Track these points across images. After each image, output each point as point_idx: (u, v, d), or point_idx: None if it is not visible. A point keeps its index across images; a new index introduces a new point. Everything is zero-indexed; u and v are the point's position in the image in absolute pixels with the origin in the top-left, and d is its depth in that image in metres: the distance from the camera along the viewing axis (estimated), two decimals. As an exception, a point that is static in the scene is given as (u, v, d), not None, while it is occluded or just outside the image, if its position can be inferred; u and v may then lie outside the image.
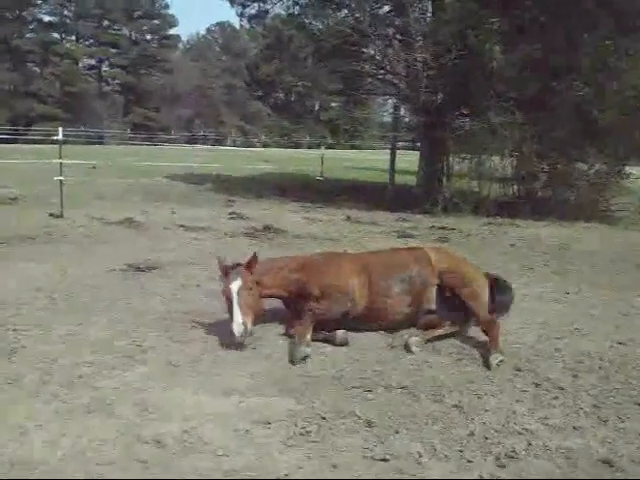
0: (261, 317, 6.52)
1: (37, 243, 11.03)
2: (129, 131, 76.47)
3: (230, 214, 15.71)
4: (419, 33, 18.42)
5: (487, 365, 5.78)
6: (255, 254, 6.34)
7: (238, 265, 6.34)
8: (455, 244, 12.91)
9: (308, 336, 6.00)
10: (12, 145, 42.32)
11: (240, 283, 6.09)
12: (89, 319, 6.77)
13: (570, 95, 17.17)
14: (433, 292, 6.80)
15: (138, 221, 13.57)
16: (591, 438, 4.45)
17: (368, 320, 6.67)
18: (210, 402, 4.80)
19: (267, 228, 13.31)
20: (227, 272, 6.30)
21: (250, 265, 6.28)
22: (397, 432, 4.40)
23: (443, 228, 15.17)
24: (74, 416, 4.49)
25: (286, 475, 3.82)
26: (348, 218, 16.29)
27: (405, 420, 4.59)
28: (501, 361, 5.83)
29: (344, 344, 6.22)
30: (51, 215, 13.95)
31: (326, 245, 11.78)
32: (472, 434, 4.41)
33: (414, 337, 6.32)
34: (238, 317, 5.86)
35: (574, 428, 4.58)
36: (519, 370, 5.70)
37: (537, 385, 5.36)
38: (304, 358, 5.72)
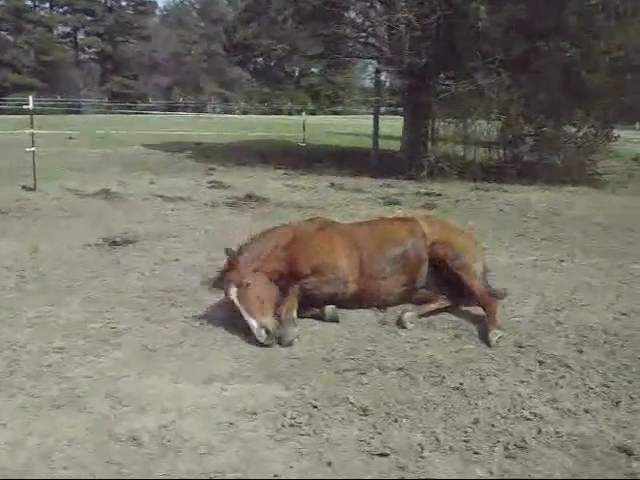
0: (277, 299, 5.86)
1: (7, 218, 10.49)
2: (107, 100, 75.15)
3: (210, 183, 15.23)
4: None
5: (487, 342, 5.44)
6: (228, 251, 5.80)
7: (231, 264, 5.82)
8: (443, 211, 12.55)
9: (294, 313, 5.55)
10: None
11: (234, 288, 5.55)
12: (61, 300, 6.34)
13: (557, 56, 16.75)
14: (425, 268, 6.40)
15: (115, 192, 13.06)
16: (604, 422, 4.12)
17: (359, 301, 6.24)
18: (190, 391, 4.41)
19: (249, 197, 12.85)
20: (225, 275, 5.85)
21: (231, 265, 5.77)
22: (395, 421, 4.04)
23: (429, 194, 14.81)
24: (41, 412, 4.08)
25: (275, 476, 3.44)
26: (332, 185, 15.86)
27: (403, 406, 4.23)
28: (500, 337, 5.49)
29: (334, 320, 5.86)
30: (24, 188, 13.39)
31: (310, 213, 11.36)
32: (477, 421, 4.05)
33: (408, 312, 5.94)
34: (252, 322, 5.33)
35: (585, 411, 4.24)
36: (521, 346, 5.35)
37: (541, 363, 5.01)
38: (292, 341, 5.30)
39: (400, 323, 5.83)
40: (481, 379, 4.68)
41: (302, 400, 4.29)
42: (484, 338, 5.53)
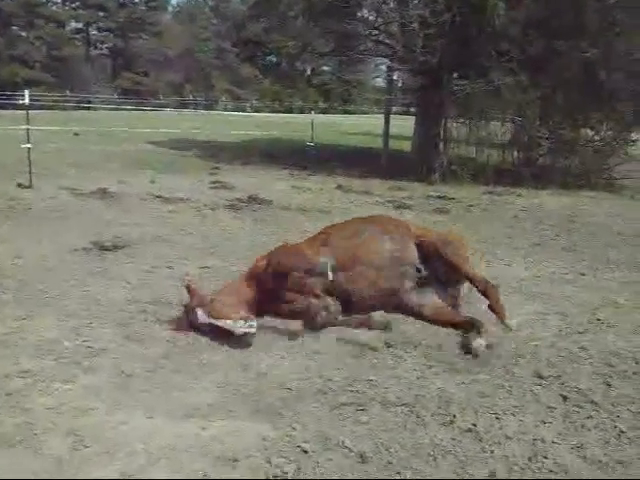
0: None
1: (-4, 218, 9.99)
2: (116, 96, 74.75)
3: (213, 183, 14.66)
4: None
5: (506, 325, 5.45)
6: (187, 286, 5.51)
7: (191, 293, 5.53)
8: (455, 216, 12.00)
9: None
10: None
11: (200, 311, 5.27)
12: (36, 312, 5.78)
13: (576, 56, 16.11)
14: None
15: (112, 192, 12.49)
16: (640, 477, 3.54)
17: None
18: (165, 429, 3.85)
19: (252, 199, 12.27)
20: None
21: (191, 292, 5.49)
22: (398, 473, 3.46)
23: (441, 197, 14.25)
24: (-13, 452, 3.54)
25: None
26: (339, 187, 15.28)
27: (407, 454, 3.65)
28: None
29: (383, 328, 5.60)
30: (19, 186, 12.87)
31: (315, 218, 10.82)
32: (493, 474, 3.47)
33: (478, 339, 5.26)
34: (231, 323, 5.06)
35: (618, 462, 3.65)
36: (541, 377, 4.76)
37: (565, 399, 4.43)
38: None
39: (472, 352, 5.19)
40: (497, 419, 4.10)
41: (291, 443, 3.72)
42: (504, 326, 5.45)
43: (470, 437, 3.86)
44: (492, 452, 3.70)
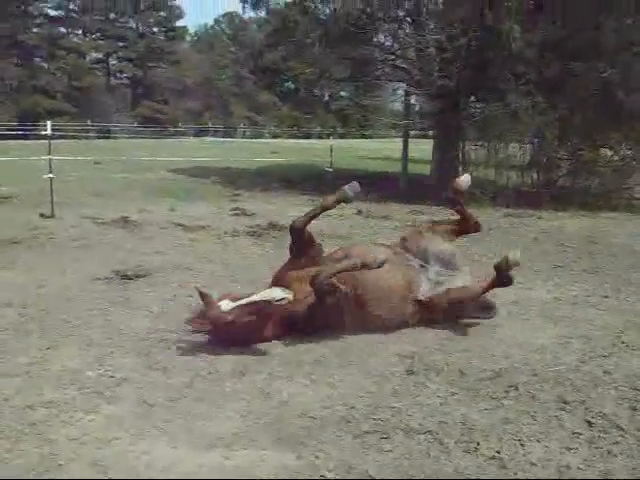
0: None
1: (19, 248, 10.04)
2: (136, 125, 75.47)
3: (233, 210, 14.72)
4: (432, 15, 17.41)
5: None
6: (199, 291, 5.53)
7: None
8: (474, 240, 11.86)
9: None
10: (20, 141, 41.64)
11: (224, 299, 5.33)
12: (59, 342, 5.82)
13: (593, 77, 16.08)
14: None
15: (133, 220, 12.59)
16: (669, 505, 3.48)
17: None
18: (188, 458, 3.84)
19: (272, 225, 12.30)
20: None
21: (203, 294, 5.50)
22: (422, 502, 3.44)
23: (461, 221, 14.16)
24: (13, 485, 3.55)
25: None
26: (359, 212, 15.28)
27: (431, 482, 3.63)
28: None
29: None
30: (41, 215, 13.00)
31: (335, 244, 10.81)
32: (519, 503, 3.44)
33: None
34: (263, 295, 5.17)
35: (646, 489, 3.61)
36: (565, 402, 4.70)
37: (590, 424, 4.37)
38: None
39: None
40: (521, 445, 4.05)
41: (314, 472, 3.70)
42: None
43: (494, 464, 3.82)
44: (517, 479, 3.66)
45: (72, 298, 7.33)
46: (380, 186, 20.46)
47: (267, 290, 5.13)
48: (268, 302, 5.10)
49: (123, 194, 17.52)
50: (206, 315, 5.45)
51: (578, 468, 3.79)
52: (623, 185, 18.20)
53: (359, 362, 5.47)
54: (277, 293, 5.03)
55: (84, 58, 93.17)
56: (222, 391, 4.84)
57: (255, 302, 5.18)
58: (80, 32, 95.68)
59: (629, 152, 18.18)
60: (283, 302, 5.08)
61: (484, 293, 6.42)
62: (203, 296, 5.44)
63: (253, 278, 8.42)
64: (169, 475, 3.66)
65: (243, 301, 5.15)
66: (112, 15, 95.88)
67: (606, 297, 7.91)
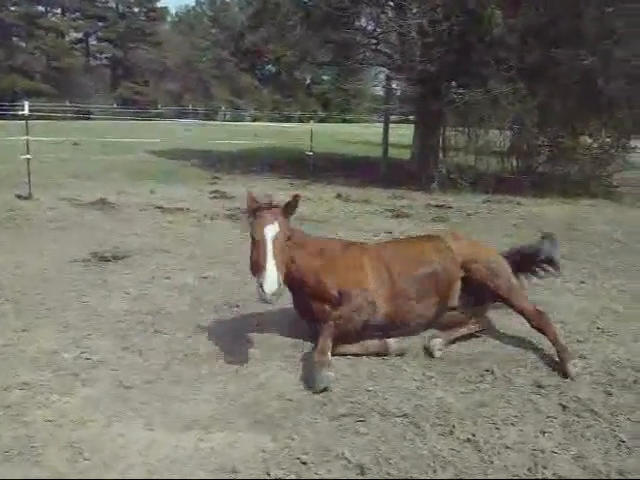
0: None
1: (-5, 229, 9.99)
2: (116, 106, 74.73)
3: (212, 193, 14.65)
4: (414, -1, 17.36)
5: (566, 375, 4.96)
6: (297, 197, 5.07)
7: (273, 206, 5.01)
8: (454, 225, 11.97)
9: (329, 355, 4.75)
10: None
11: (277, 229, 4.82)
12: (35, 324, 5.79)
13: (574, 64, 16.09)
14: (457, 287, 5.75)
15: (112, 202, 12.49)
16: (642, 487, 3.53)
17: (390, 325, 5.47)
18: (164, 440, 3.84)
19: (251, 209, 12.23)
20: (259, 211, 4.94)
21: (288, 209, 5.04)
22: (397, 484, 3.46)
23: (440, 206, 14.23)
24: (-15, 465, 3.53)
25: None
26: (339, 196, 15.27)
27: (407, 464, 3.65)
28: (579, 365, 5.08)
29: (402, 354, 5.29)
30: (19, 197, 12.87)
31: (314, 227, 10.82)
32: (493, 485, 3.47)
33: (436, 339, 5.37)
34: (272, 272, 4.56)
35: (619, 473, 3.64)
36: (540, 386, 4.75)
37: (564, 408, 4.42)
38: (326, 387, 4.57)
39: (428, 350, 5.32)
40: (496, 428, 4.09)
41: (290, 454, 3.71)
42: (562, 370, 5.00)
43: (469, 447, 3.86)
44: (491, 462, 3.70)
45: (49, 280, 7.27)
46: (360, 170, 20.47)
47: (274, 273, 4.55)
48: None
49: (102, 176, 17.37)
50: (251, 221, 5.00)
51: (552, 451, 3.84)
52: (602, 173, 18.26)
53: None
54: (270, 285, 4.74)
55: (63, 38, 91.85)
56: (199, 373, 4.83)
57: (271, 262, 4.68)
58: (59, 11, 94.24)
59: (608, 140, 18.24)
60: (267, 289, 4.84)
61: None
62: (252, 203, 5.02)
63: (231, 260, 8.41)
64: (145, 457, 3.65)
65: (268, 255, 4.67)
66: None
67: (583, 283, 7.97)
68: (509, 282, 5.66)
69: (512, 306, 5.61)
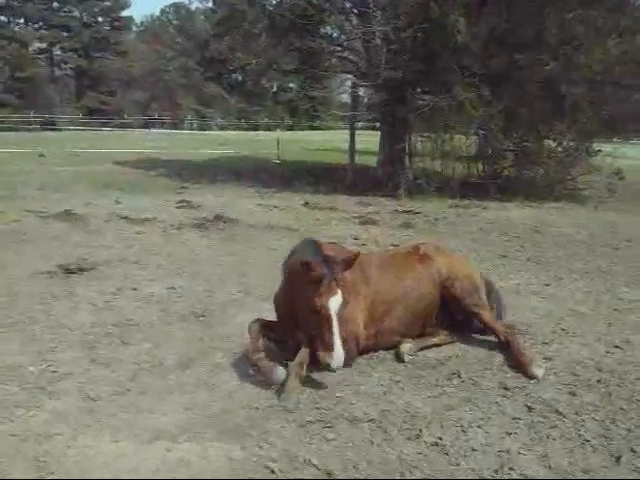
0: None
1: (-41, 243, 9.84)
2: (81, 116, 74.15)
3: (179, 202, 14.53)
4: (378, 6, 17.45)
5: (532, 378, 5.02)
6: (357, 255, 4.99)
7: (329, 262, 4.74)
8: (421, 230, 12.06)
9: (303, 372, 4.72)
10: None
11: (340, 299, 4.65)
12: (0, 337, 5.72)
13: (537, 69, 16.32)
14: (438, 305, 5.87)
15: (77, 213, 12.33)
16: (605, 486, 3.59)
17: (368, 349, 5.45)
18: (131, 452, 3.83)
19: (218, 218, 12.18)
20: (318, 277, 4.63)
21: (349, 266, 4.90)
22: (365, 489, 3.48)
23: (407, 212, 14.29)
24: (-50, 483, 3.49)
25: None
26: (306, 204, 15.26)
27: (375, 469, 3.67)
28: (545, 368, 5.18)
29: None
30: (-18, 209, 12.71)
31: (282, 236, 10.84)
32: (460, 488, 3.51)
33: (406, 344, 5.42)
34: (338, 347, 4.49)
35: (583, 472, 3.70)
36: (506, 388, 4.81)
37: (530, 409, 4.48)
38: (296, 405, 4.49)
39: (398, 356, 5.35)
40: (463, 431, 4.13)
41: (258, 463, 3.72)
42: (528, 376, 5.05)
43: (436, 451, 3.89)
44: (458, 465, 3.74)
45: (14, 293, 7.19)
46: (328, 178, 20.49)
47: (339, 348, 4.51)
48: None
49: (67, 187, 17.16)
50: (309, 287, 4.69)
51: (518, 452, 3.89)
52: (567, 176, 18.48)
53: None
54: (337, 361, 4.53)
55: (27, 48, 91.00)
56: (166, 384, 4.82)
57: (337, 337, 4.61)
58: (22, 21, 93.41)
59: (572, 144, 18.47)
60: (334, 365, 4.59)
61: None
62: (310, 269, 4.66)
63: (198, 270, 8.39)
64: (111, 469, 3.63)
65: (334, 329, 4.56)
66: (55, 4, 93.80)
67: (548, 285, 8.08)
68: (480, 300, 5.79)
69: (481, 322, 5.73)
